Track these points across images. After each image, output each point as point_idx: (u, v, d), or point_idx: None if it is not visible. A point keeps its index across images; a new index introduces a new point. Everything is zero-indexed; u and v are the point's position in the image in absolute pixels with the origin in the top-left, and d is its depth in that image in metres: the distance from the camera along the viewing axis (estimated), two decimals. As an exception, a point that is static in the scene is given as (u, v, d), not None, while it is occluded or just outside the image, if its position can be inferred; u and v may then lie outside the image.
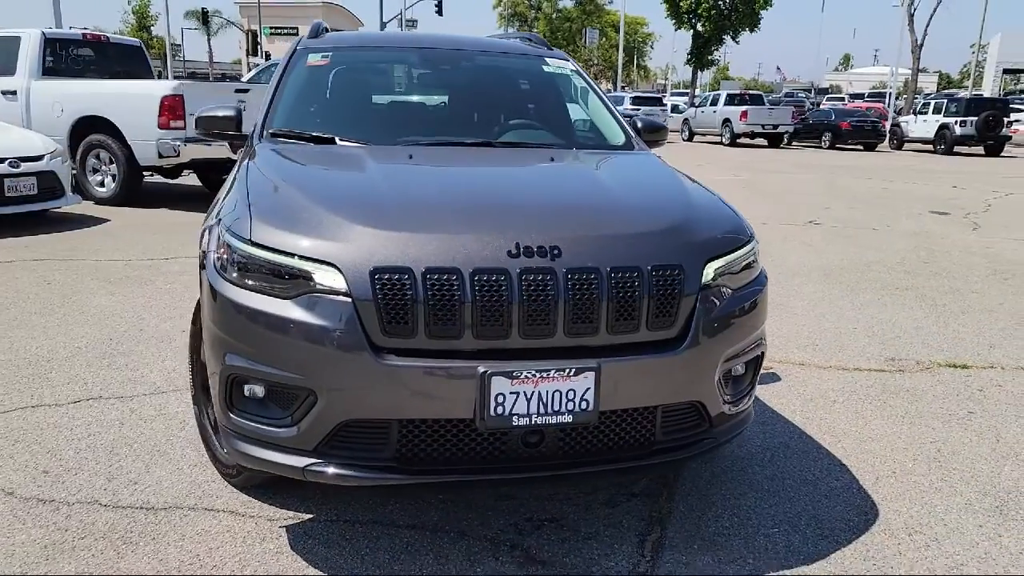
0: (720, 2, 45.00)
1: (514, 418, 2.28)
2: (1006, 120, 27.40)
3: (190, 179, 11.88)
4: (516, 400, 2.27)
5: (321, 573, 2.50)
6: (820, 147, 29.23)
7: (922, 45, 42.17)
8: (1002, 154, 26.93)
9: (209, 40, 68.03)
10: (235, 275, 2.39)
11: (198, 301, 3.13)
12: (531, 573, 2.52)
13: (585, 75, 4.20)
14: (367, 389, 2.27)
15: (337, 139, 3.34)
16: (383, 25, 45.62)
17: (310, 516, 2.81)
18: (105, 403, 3.75)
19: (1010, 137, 27.97)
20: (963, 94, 39.92)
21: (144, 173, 10.09)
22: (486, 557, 2.60)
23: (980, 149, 26.91)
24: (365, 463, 2.36)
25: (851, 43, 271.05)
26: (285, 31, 65.61)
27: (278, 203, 2.56)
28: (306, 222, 2.40)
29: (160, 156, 9.47)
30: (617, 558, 2.61)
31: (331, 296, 2.26)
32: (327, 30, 4.39)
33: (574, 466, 2.45)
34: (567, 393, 2.29)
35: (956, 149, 26.98)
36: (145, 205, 9.94)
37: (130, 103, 9.62)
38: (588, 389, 2.30)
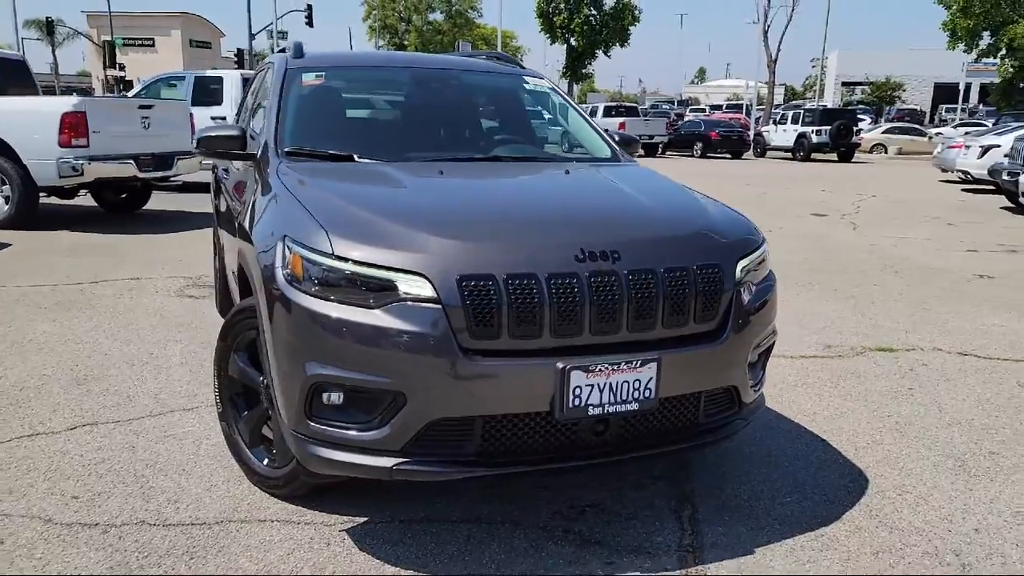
0: (592, 18, 46.67)
1: (589, 408, 2.50)
2: (855, 129, 29.98)
3: (86, 199, 11.31)
4: (591, 392, 2.49)
5: (400, 570, 2.62)
6: (693, 156, 30.85)
7: (776, 60, 45.25)
8: (853, 160, 29.32)
9: (54, 51, 64.12)
10: (315, 288, 2.48)
11: (225, 321, 3.19)
12: (592, 553, 2.73)
13: (562, 92, 4.47)
14: (456, 389, 2.43)
15: (355, 156, 3.44)
16: (252, 36, 44.34)
17: (365, 519, 2.91)
18: (104, 428, 3.67)
19: (859, 144, 30.56)
20: (810, 104, 43.07)
21: (41, 194, 9.57)
22: (546, 542, 2.79)
23: (834, 156, 29.19)
24: (450, 459, 2.52)
25: (706, 57, 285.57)
26: (139, 42, 62.03)
27: (351, 218, 2.66)
28: (388, 236, 2.53)
29: (60, 176, 9.02)
30: (664, 533, 2.86)
31: (421, 304, 2.40)
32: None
33: (635, 449, 2.69)
34: (633, 383, 2.54)
35: (813, 156, 29.17)
36: (43, 228, 9.42)
37: (25, 120, 9.11)
38: (651, 379, 2.55)
